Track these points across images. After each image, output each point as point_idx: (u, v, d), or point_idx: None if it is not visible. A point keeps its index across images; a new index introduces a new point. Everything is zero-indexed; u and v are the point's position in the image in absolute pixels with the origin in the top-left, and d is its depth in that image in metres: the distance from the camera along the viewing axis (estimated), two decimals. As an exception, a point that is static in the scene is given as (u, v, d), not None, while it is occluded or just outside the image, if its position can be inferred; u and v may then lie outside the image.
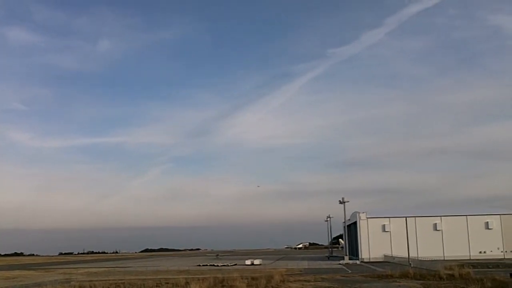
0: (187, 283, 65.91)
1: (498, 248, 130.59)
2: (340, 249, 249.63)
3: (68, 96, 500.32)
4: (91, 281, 73.78)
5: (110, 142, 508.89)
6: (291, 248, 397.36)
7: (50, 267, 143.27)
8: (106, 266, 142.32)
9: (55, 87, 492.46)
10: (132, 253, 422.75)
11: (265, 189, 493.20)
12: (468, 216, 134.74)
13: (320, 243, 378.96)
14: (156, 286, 64.83)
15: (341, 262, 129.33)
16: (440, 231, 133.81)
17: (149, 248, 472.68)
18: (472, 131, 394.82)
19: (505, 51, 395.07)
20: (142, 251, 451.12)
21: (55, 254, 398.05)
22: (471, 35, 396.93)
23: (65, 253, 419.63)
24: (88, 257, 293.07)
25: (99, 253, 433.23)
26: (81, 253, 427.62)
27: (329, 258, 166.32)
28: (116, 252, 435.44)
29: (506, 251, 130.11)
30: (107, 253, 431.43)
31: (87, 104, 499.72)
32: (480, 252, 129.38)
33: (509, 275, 65.75)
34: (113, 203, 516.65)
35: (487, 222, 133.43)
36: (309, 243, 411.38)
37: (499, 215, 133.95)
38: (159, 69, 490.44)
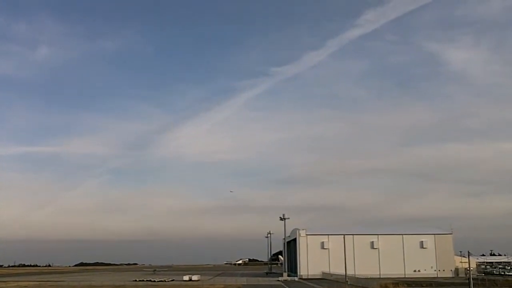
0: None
1: (432, 267, 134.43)
2: (279, 265, 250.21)
3: (1, 102, 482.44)
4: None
5: (45, 151, 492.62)
6: (230, 264, 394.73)
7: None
8: (38, 279, 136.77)
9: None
10: (66, 266, 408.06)
11: (205, 204, 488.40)
12: (404, 235, 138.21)
13: (260, 259, 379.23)
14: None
15: (279, 278, 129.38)
16: (377, 249, 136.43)
17: (84, 262, 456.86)
18: (407, 152, 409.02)
19: (439, 76, 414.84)
20: (76, 265, 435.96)
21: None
22: (407, 60, 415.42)
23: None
24: (19, 270, 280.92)
25: (30, 266, 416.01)
26: (12, 266, 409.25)
27: (267, 274, 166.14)
28: (49, 266, 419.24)
29: (439, 270, 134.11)
30: (39, 266, 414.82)
31: (22, 111, 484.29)
32: (415, 271, 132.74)
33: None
34: (47, 214, 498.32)
35: (422, 241, 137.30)
36: (249, 259, 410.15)
37: (433, 235, 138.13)
38: (98, 78, 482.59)
